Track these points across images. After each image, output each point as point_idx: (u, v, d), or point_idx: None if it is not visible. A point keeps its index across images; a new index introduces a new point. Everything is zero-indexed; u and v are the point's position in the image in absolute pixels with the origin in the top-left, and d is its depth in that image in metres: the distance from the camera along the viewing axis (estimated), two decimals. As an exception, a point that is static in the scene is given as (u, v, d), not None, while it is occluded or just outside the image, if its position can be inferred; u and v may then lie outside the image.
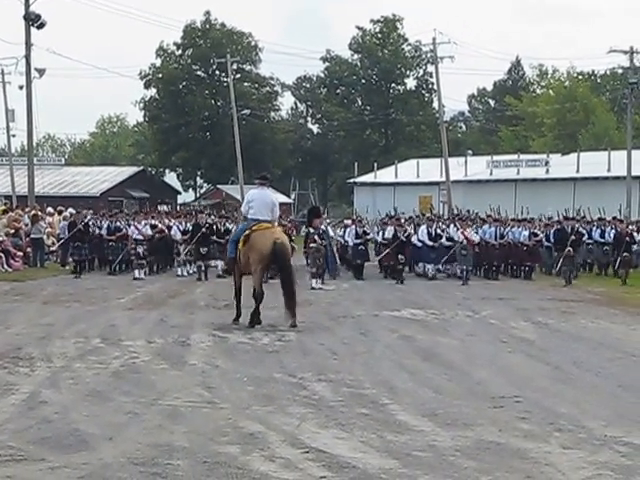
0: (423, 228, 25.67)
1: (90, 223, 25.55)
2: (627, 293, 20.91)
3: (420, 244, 25.17)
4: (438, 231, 25.49)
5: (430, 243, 25.08)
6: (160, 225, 25.97)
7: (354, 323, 14.55)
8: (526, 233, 25.89)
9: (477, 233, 25.28)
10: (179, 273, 24.76)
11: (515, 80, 78.08)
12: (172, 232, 25.75)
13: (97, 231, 25.72)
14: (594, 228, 27.68)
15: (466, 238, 24.09)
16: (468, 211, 35.74)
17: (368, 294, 20.23)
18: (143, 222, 24.93)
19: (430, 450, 6.90)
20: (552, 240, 25.47)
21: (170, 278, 24.11)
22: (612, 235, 26.09)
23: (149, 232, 24.72)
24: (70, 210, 29.81)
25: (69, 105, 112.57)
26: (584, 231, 26.83)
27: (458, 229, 24.78)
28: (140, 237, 24.18)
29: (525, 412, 8.10)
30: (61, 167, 66.12)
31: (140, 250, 23.87)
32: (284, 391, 8.91)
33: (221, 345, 11.99)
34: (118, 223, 25.57)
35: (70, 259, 25.16)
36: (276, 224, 14.38)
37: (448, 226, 26.24)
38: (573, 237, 23.53)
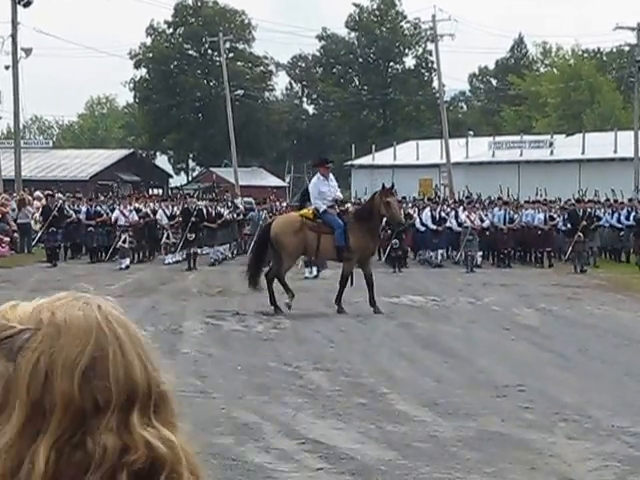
0: (427, 211, 25.02)
1: (66, 207, 24.84)
2: (635, 279, 20.81)
3: (423, 228, 24.61)
4: (442, 214, 24.96)
5: (433, 227, 24.44)
6: (145, 209, 25.31)
7: (351, 310, 14.30)
8: (541, 216, 25.10)
9: (486, 217, 24.72)
10: (166, 261, 24.16)
11: (518, 58, 77.38)
12: (158, 216, 25.09)
13: (74, 215, 25.06)
14: (608, 211, 26.74)
15: (471, 222, 23.56)
16: (470, 194, 35.25)
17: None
18: (129, 207, 24.03)
19: (431, 441, 6.76)
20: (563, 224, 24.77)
21: (158, 265, 23.75)
22: (632, 218, 25.28)
23: (136, 218, 23.85)
24: (59, 195, 29.36)
25: (57, 86, 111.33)
26: (601, 214, 25.96)
27: (466, 212, 24.19)
28: (126, 223, 23.37)
29: (529, 401, 8.00)
30: (49, 150, 65.24)
31: (126, 237, 23.06)
32: (279, 380, 8.87)
33: (214, 333, 11.98)
34: (98, 207, 24.93)
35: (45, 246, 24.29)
36: (313, 207, 14.64)
37: (457, 209, 25.55)
38: (584, 222, 22.90)
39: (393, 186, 15.37)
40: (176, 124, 68.50)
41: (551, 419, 7.44)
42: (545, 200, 27.87)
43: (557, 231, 25.51)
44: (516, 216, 25.19)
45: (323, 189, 14.47)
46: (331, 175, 14.93)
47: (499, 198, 27.19)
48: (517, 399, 8.14)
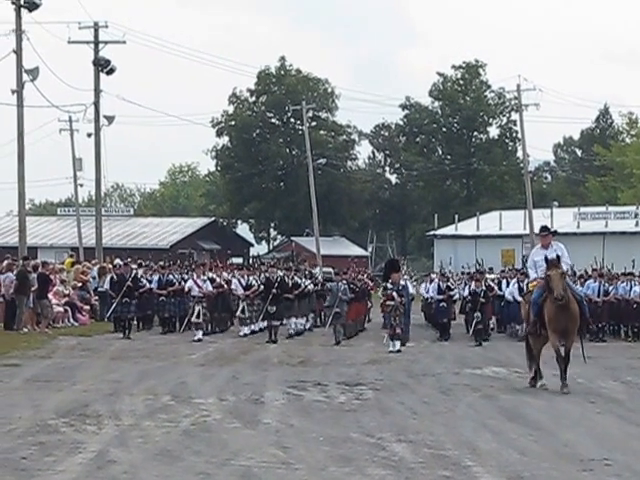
0: (514, 282, 23.85)
1: (139, 276, 23.95)
2: None
3: (511, 299, 23.46)
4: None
5: (520, 299, 23.34)
6: (218, 279, 24.16)
7: (434, 381, 14.47)
8: (638, 289, 23.79)
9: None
10: (241, 333, 23.02)
11: (603, 129, 76.24)
12: (232, 286, 23.86)
13: (148, 284, 24.12)
14: None
15: None
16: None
17: (449, 351, 20.16)
18: (202, 277, 22.91)
19: (516, 514, 6.53)
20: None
21: (233, 337, 23.00)
22: None
23: (210, 288, 22.86)
24: (139, 262, 28.73)
25: (138, 154, 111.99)
26: None
27: None
28: (200, 294, 22.34)
29: (616, 476, 7.87)
30: (130, 218, 65.58)
31: (199, 308, 22.01)
32: (362, 452, 8.77)
33: (296, 403, 11.95)
34: (171, 276, 24.14)
35: (114, 317, 23.16)
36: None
37: None
38: None
39: (558, 258, 13.97)
40: (258, 192, 68.50)
41: (640, 495, 7.24)
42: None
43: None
44: (611, 288, 24.12)
45: (536, 258, 14.34)
46: (558, 245, 14.52)
47: (594, 269, 25.63)
48: (603, 473, 7.96)
